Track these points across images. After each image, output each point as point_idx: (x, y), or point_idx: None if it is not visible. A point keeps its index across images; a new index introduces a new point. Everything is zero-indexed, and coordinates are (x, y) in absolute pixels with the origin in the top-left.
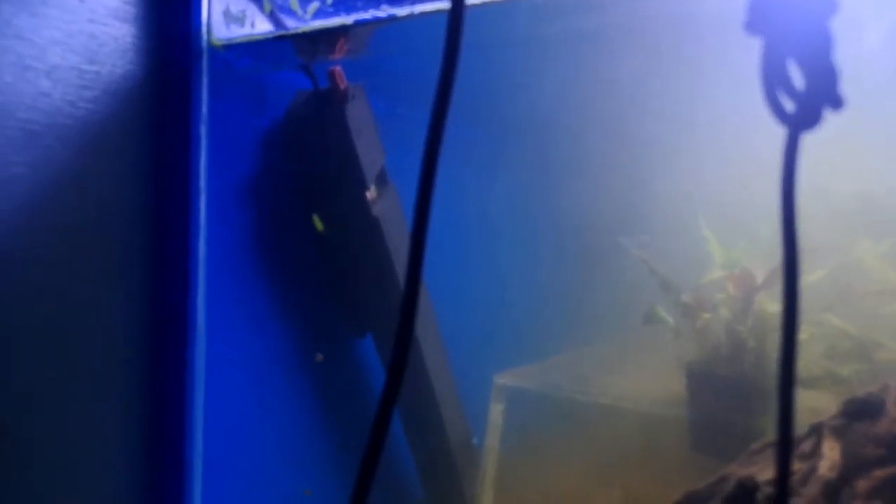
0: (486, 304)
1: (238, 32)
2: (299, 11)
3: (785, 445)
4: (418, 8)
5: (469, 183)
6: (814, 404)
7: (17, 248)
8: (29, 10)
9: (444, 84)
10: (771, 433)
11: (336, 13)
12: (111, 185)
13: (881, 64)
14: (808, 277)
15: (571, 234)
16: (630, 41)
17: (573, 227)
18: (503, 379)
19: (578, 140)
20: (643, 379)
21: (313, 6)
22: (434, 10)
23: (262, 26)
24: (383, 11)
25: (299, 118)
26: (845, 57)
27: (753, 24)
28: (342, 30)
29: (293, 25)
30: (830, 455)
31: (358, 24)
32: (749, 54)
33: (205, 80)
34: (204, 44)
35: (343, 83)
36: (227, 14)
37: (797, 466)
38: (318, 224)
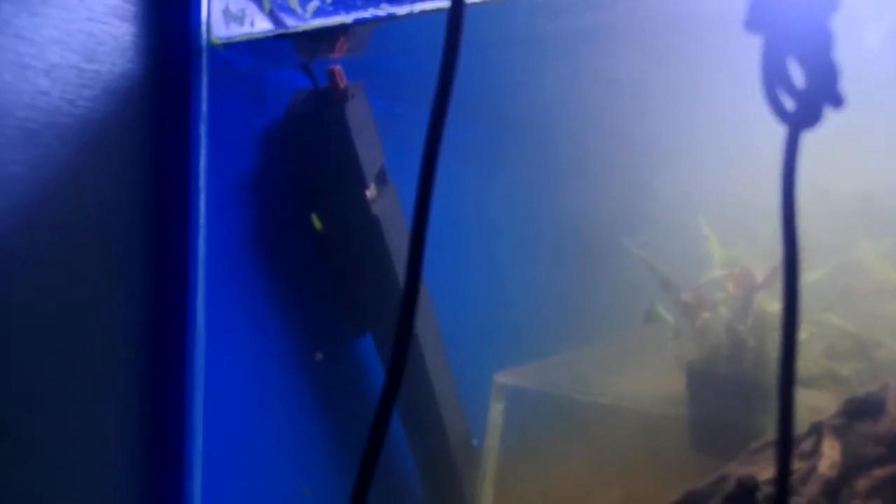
0: (486, 303)
1: (237, 31)
2: (299, 10)
3: (785, 444)
4: (418, 6)
5: (469, 182)
6: (814, 403)
7: (15, 247)
8: (28, 8)
9: (443, 83)
10: (771, 432)
11: (336, 12)
12: (110, 184)
13: (881, 64)
14: (808, 276)
15: (571, 233)
16: (630, 40)
17: (573, 226)
18: (503, 378)
19: (578, 139)
20: (643, 378)
21: (313, 5)
22: (434, 8)
23: (261, 25)
24: (383, 10)
25: (299, 117)
26: (845, 57)
27: (753, 22)
28: (342, 28)
29: (293, 24)
30: (830, 454)
31: (358, 22)
32: (749, 53)
33: (204, 79)
34: (203, 42)
35: (343, 82)
36: (226, 13)
37: (797, 465)
38: (317, 223)
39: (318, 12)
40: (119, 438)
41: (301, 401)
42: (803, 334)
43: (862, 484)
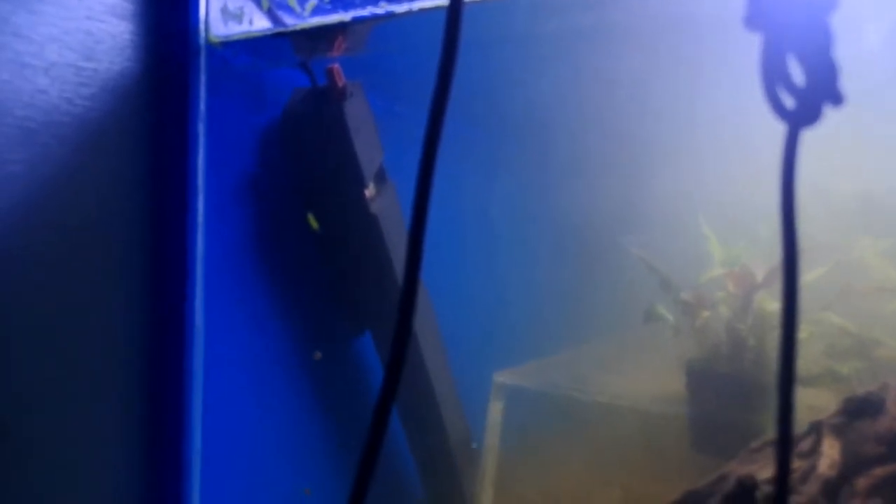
0: (485, 302)
1: (236, 29)
2: (297, 8)
3: (784, 444)
4: (416, 5)
5: (468, 181)
6: (813, 402)
7: (13, 246)
8: (26, 7)
9: (442, 81)
10: (771, 431)
11: (334, 10)
12: (109, 183)
13: (881, 64)
14: (808, 275)
15: (570, 232)
16: (629, 39)
17: (572, 225)
18: (503, 377)
19: (577, 138)
20: (643, 377)
21: (311, 3)
22: (432, 6)
23: (259, 23)
24: (381, 8)
25: (297, 116)
26: (845, 56)
27: (753, 20)
28: (340, 27)
29: (291, 22)
30: (830, 453)
31: (356, 20)
32: (749, 53)
33: (202, 78)
34: (202, 41)
35: (341, 80)
36: (224, 11)
37: (797, 464)
38: (313, 223)
39: (317, 10)
40: (119, 438)
41: (300, 400)
42: (803, 333)
43: (861, 483)
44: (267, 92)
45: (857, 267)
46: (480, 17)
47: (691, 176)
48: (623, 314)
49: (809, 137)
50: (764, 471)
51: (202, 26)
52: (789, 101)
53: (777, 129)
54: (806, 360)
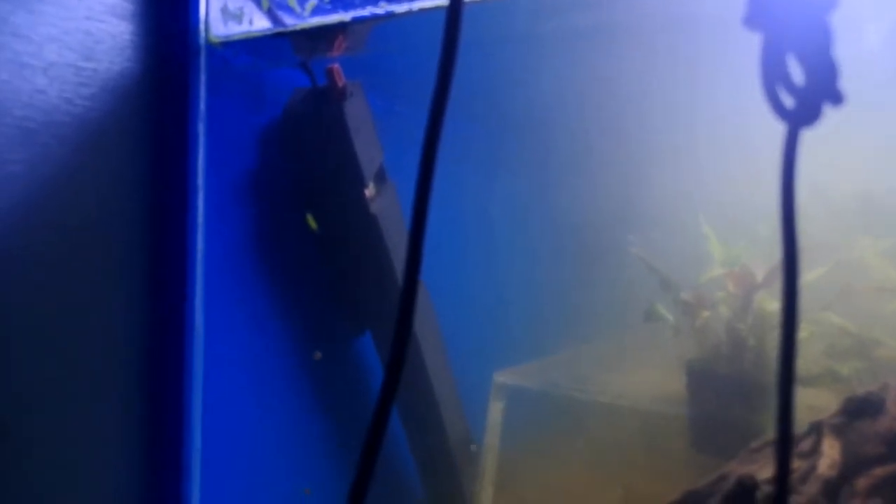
0: (486, 302)
1: (236, 29)
2: (297, 8)
3: (784, 443)
4: (416, 5)
5: (468, 180)
6: (813, 402)
7: (13, 246)
8: (26, 6)
9: (442, 81)
10: (771, 431)
11: (334, 10)
12: (109, 183)
13: (881, 64)
14: (808, 275)
15: (570, 231)
16: (630, 39)
17: (572, 224)
18: (503, 377)
19: (577, 138)
20: (643, 377)
21: (311, 3)
22: (432, 6)
23: (259, 23)
24: (381, 8)
25: (297, 116)
26: (845, 56)
27: (753, 19)
28: (340, 27)
29: (291, 22)
30: (830, 453)
31: (356, 20)
32: (749, 53)
33: (202, 78)
34: (202, 41)
35: (341, 80)
36: (224, 11)
37: (797, 464)
38: (312, 223)
39: (317, 10)
40: (119, 438)
41: (300, 400)
42: (803, 333)
43: (862, 483)
44: (267, 92)
45: (857, 267)
46: (480, 17)
47: (691, 176)
48: (623, 314)
49: (809, 137)
50: (764, 471)
51: (202, 26)
52: (789, 101)
53: (777, 129)
54: (806, 360)
